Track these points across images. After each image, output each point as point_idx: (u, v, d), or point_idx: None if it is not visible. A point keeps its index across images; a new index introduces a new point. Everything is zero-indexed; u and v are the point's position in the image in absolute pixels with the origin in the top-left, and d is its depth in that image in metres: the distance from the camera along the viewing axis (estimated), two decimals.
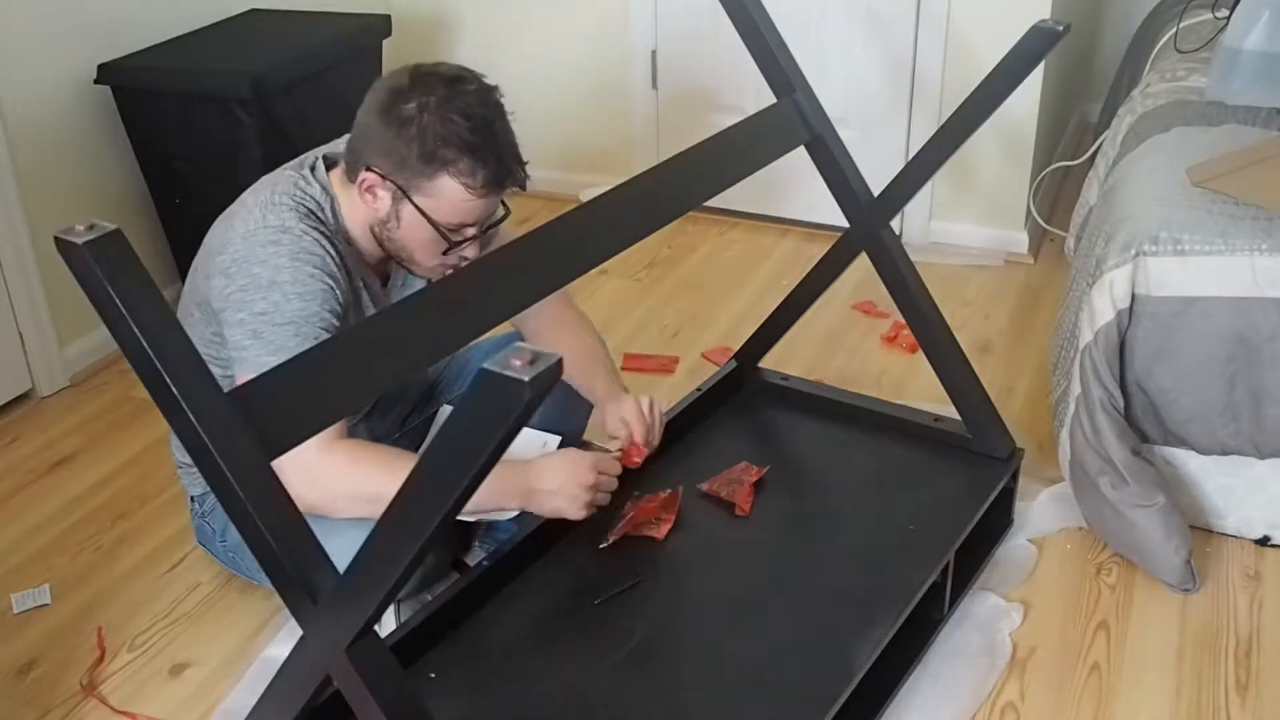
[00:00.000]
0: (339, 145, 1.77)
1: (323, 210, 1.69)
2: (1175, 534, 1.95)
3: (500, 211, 1.71)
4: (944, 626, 1.88)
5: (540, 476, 1.70)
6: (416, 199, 1.63)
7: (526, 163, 1.68)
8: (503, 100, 1.66)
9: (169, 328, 1.08)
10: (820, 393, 2.25)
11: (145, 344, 1.06)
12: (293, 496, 1.52)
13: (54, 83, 2.69)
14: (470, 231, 1.68)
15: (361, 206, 1.68)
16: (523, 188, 1.69)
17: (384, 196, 1.65)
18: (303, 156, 1.78)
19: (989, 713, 1.76)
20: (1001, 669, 1.83)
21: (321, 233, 1.65)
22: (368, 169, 1.64)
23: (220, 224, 1.71)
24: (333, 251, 1.65)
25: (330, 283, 1.62)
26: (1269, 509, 2.06)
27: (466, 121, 1.59)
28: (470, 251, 1.69)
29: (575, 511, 1.71)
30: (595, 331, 2.02)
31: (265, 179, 1.73)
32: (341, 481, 1.57)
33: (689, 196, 1.76)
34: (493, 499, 1.68)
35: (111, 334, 1.08)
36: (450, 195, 1.62)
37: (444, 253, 1.68)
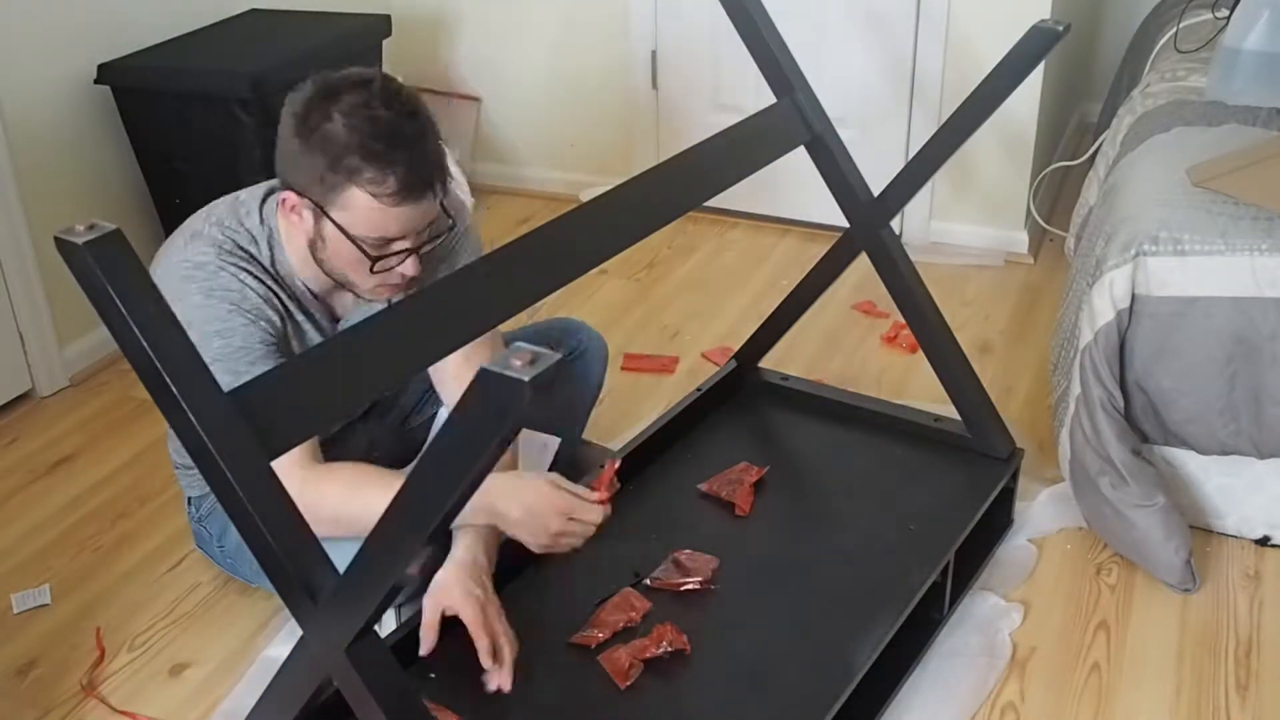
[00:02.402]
0: None
1: (256, 244, 1.63)
2: (1175, 534, 1.95)
3: (445, 222, 1.63)
4: (944, 626, 1.88)
5: (505, 500, 1.58)
6: (333, 214, 1.54)
7: (448, 172, 1.58)
8: (416, 104, 1.55)
9: (169, 328, 1.08)
10: (820, 393, 2.25)
11: (145, 344, 1.06)
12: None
13: (54, 83, 2.69)
14: (398, 245, 1.56)
15: (294, 230, 1.61)
16: (445, 192, 1.59)
17: (307, 216, 1.57)
18: (265, 183, 1.70)
19: (989, 713, 1.76)
20: (1001, 669, 1.83)
21: (243, 267, 1.59)
22: (288, 188, 1.57)
23: (160, 249, 1.66)
24: (252, 286, 1.59)
25: (249, 318, 1.57)
26: (1269, 509, 2.06)
27: (370, 127, 1.49)
28: (408, 268, 1.58)
29: (535, 546, 1.59)
30: None
31: (211, 205, 1.67)
32: (316, 510, 1.39)
33: (689, 196, 1.76)
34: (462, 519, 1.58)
35: (111, 334, 1.08)
36: (362, 206, 1.52)
37: (372, 270, 1.56)
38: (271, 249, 1.65)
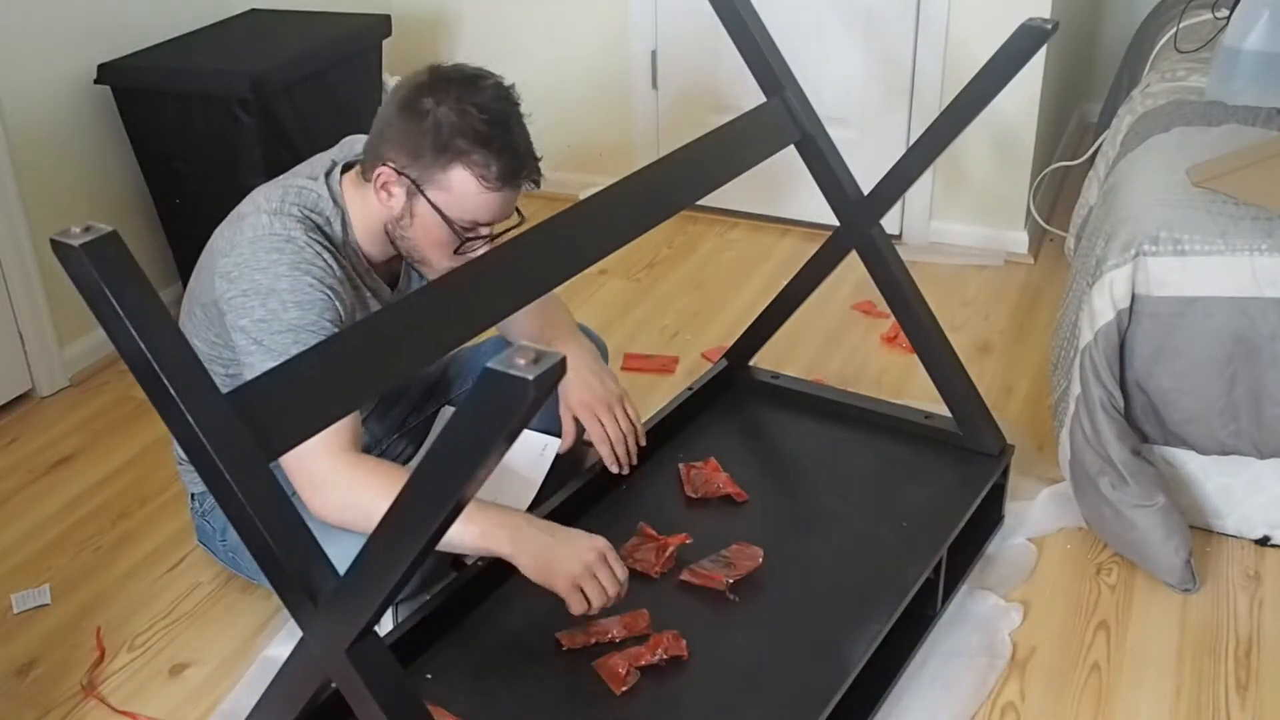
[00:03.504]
0: (354, 147, 1.79)
1: (330, 225, 1.69)
2: (1175, 534, 1.95)
3: (515, 219, 1.72)
4: (940, 624, 1.89)
5: (545, 535, 1.60)
6: (430, 193, 1.64)
7: (540, 158, 1.70)
8: (519, 101, 1.68)
9: (165, 329, 1.08)
10: (811, 391, 2.25)
11: (142, 345, 1.06)
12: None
13: (54, 83, 2.69)
14: (484, 230, 1.68)
15: (376, 206, 1.68)
16: (537, 185, 1.70)
17: (398, 193, 1.66)
18: (316, 160, 1.78)
19: (989, 713, 1.76)
20: (1001, 669, 1.83)
21: (325, 246, 1.66)
22: (384, 164, 1.65)
23: (228, 226, 1.71)
24: (334, 265, 1.66)
25: (328, 294, 1.63)
26: (1269, 509, 2.06)
27: (481, 115, 1.61)
28: (483, 252, 1.70)
29: (565, 589, 1.58)
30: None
31: (277, 181, 1.73)
32: (346, 496, 1.56)
33: (679, 197, 1.76)
34: (482, 537, 1.58)
35: (108, 336, 1.08)
36: (463, 188, 1.63)
37: (456, 251, 1.68)
38: (344, 228, 1.72)
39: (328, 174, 1.73)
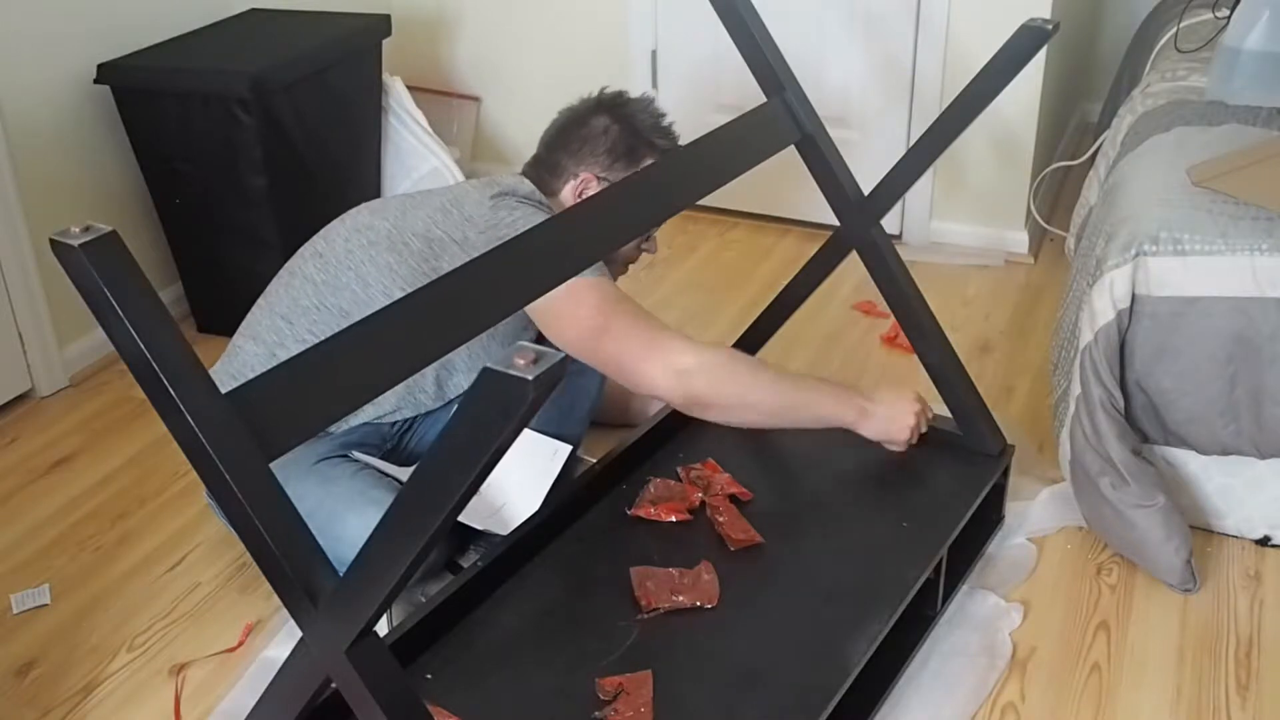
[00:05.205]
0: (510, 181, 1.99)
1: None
2: (1175, 534, 1.95)
3: None
4: (941, 625, 1.89)
5: (878, 401, 1.94)
6: None
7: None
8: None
9: (166, 329, 1.08)
10: None
11: (142, 345, 1.06)
12: (661, 393, 1.80)
13: (54, 83, 2.69)
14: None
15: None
16: None
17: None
18: (482, 191, 1.93)
19: (989, 713, 1.76)
20: (1001, 669, 1.83)
21: None
22: (580, 173, 2.02)
23: (442, 212, 1.93)
24: None
25: None
26: (1269, 509, 2.06)
27: (651, 118, 2.07)
28: (651, 245, 2.14)
29: (902, 440, 1.97)
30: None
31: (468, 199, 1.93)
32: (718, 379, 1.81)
33: (680, 197, 1.76)
34: (829, 411, 1.90)
35: (108, 336, 1.08)
36: None
37: (646, 239, 2.09)
38: None
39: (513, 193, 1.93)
